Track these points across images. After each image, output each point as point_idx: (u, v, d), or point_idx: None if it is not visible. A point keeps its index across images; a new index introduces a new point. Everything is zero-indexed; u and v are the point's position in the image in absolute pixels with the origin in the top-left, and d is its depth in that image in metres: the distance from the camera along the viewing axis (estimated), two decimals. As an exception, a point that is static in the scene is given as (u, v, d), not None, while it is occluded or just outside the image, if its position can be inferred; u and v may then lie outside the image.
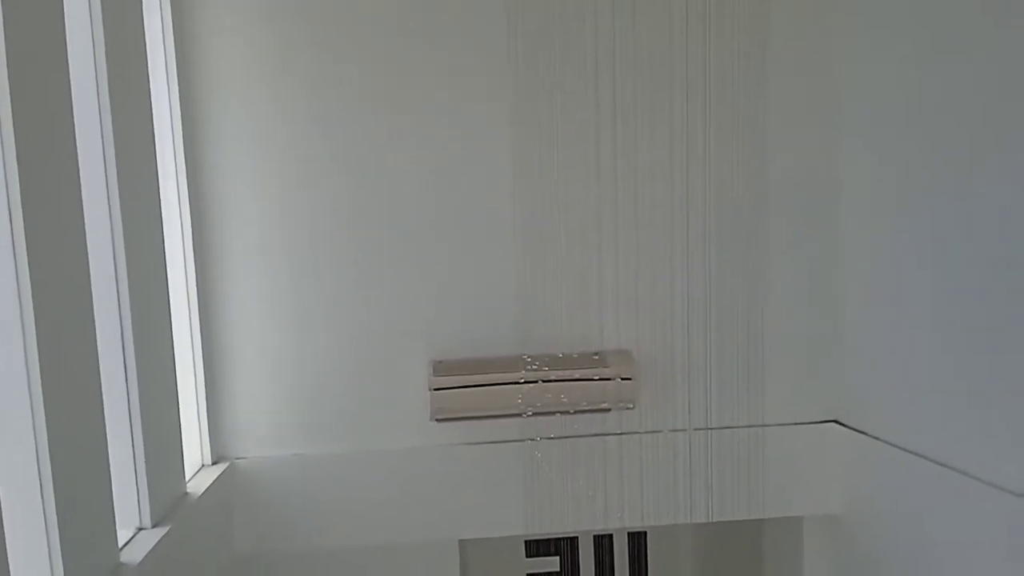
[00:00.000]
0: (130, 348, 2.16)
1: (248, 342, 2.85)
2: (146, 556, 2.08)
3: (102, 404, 1.97)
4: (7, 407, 1.66)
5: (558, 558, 3.85)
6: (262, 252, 2.84)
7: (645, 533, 3.83)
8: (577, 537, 3.84)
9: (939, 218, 2.50)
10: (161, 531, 2.20)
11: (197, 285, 2.74)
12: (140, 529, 2.20)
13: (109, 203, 2.09)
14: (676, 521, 2.96)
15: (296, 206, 2.84)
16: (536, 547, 3.84)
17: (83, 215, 1.90)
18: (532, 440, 2.90)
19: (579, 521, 2.96)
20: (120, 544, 2.07)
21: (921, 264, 2.60)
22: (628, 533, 3.82)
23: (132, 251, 2.15)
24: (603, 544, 3.86)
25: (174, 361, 2.48)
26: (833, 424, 3.06)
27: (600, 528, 3.26)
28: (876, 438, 2.86)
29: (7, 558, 1.50)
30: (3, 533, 1.48)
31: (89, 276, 1.93)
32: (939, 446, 2.54)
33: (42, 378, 1.68)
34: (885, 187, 2.78)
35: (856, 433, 2.97)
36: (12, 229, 1.63)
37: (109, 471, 1.97)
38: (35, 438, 1.70)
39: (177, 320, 2.59)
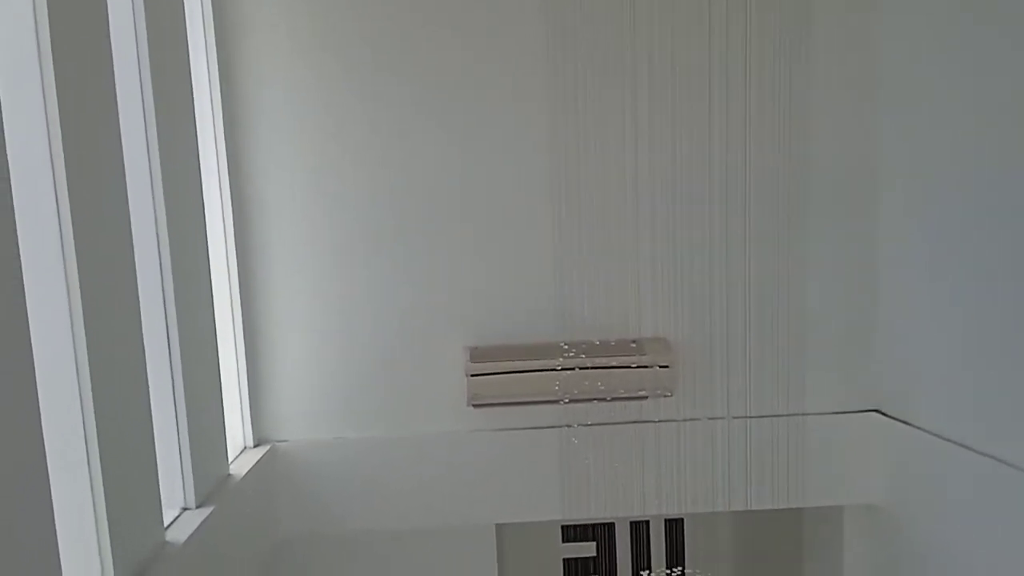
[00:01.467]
0: (174, 332, 2.20)
1: (289, 327, 2.89)
2: (191, 535, 2.13)
3: (147, 386, 2.02)
4: (56, 391, 1.71)
5: (595, 543, 3.86)
6: (303, 237, 2.87)
7: (682, 520, 3.82)
8: (614, 523, 3.84)
9: (981, 203, 2.45)
10: (205, 511, 2.25)
11: (239, 270, 2.79)
12: (185, 509, 2.25)
13: (152, 189, 2.13)
14: (714, 509, 2.95)
15: (337, 191, 2.87)
16: (573, 532, 3.85)
17: (127, 201, 1.94)
18: (569, 427, 2.91)
19: (615, 507, 2.97)
20: (166, 524, 2.13)
21: (963, 250, 2.55)
22: (665, 520, 3.81)
23: (175, 237, 2.19)
24: (640, 530, 3.86)
25: (216, 345, 2.53)
26: (874, 413, 3.02)
27: (637, 515, 3.27)
28: (917, 427, 2.82)
29: (56, 536, 1.55)
30: (52, 512, 1.53)
31: (134, 261, 1.97)
32: (982, 435, 2.50)
33: (89, 363, 1.72)
34: (925, 171, 2.73)
35: (897, 423, 2.93)
36: (60, 220, 1.67)
37: (155, 452, 2.02)
38: (83, 420, 1.75)
39: (220, 305, 2.64)
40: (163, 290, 2.18)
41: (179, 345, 2.21)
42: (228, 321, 2.75)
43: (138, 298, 1.98)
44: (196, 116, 2.43)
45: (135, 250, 1.98)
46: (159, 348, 2.17)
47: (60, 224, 1.67)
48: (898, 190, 2.89)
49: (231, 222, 2.76)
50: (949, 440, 2.65)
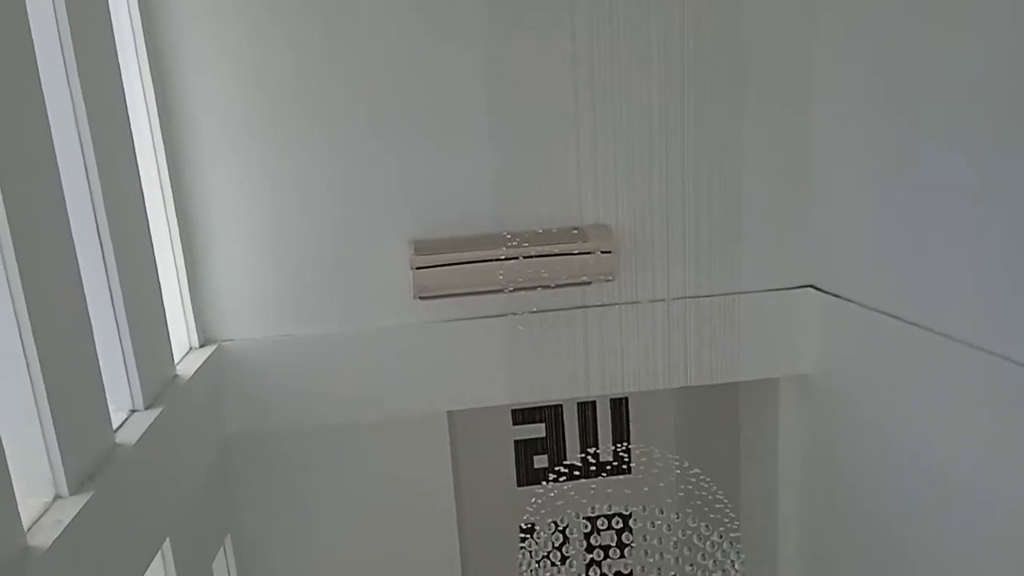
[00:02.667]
0: (106, 234, 2.14)
1: (227, 224, 2.83)
2: (141, 436, 2.14)
3: (82, 289, 1.98)
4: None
5: (544, 425, 3.99)
6: (238, 131, 2.78)
7: (627, 399, 3.96)
8: (562, 405, 3.97)
9: (915, 82, 2.48)
10: (154, 412, 2.26)
11: (170, 171, 2.70)
12: (133, 411, 2.25)
13: (71, 91, 2.03)
14: (655, 387, 3.05)
15: (274, 86, 2.76)
16: (522, 415, 3.97)
17: (46, 107, 1.85)
18: (515, 315, 2.95)
19: (562, 390, 3.05)
20: (115, 426, 2.13)
21: (895, 127, 2.60)
22: (610, 400, 3.94)
23: (100, 139, 2.10)
24: (586, 411, 3.99)
25: (152, 245, 2.47)
26: (808, 289, 3.12)
27: (583, 396, 3.37)
28: (850, 300, 2.93)
29: (1, 444, 1.55)
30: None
31: (57, 167, 1.89)
32: (911, 306, 2.61)
33: (19, 268, 1.67)
34: (860, 51, 2.74)
35: (831, 297, 3.03)
36: None
37: (96, 355, 2.00)
38: (18, 328, 1.72)
39: (153, 207, 2.58)
40: (91, 193, 2.10)
41: (112, 247, 2.16)
42: (163, 222, 2.69)
43: (65, 203, 1.92)
44: (112, 13, 2.30)
45: (58, 155, 1.90)
46: (92, 251, 2.12)
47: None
48: (831, 71, 2.90)
49: (158, 123, 2.65)
50: (880, 311, 2.76)
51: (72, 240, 1.94)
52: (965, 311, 2.38)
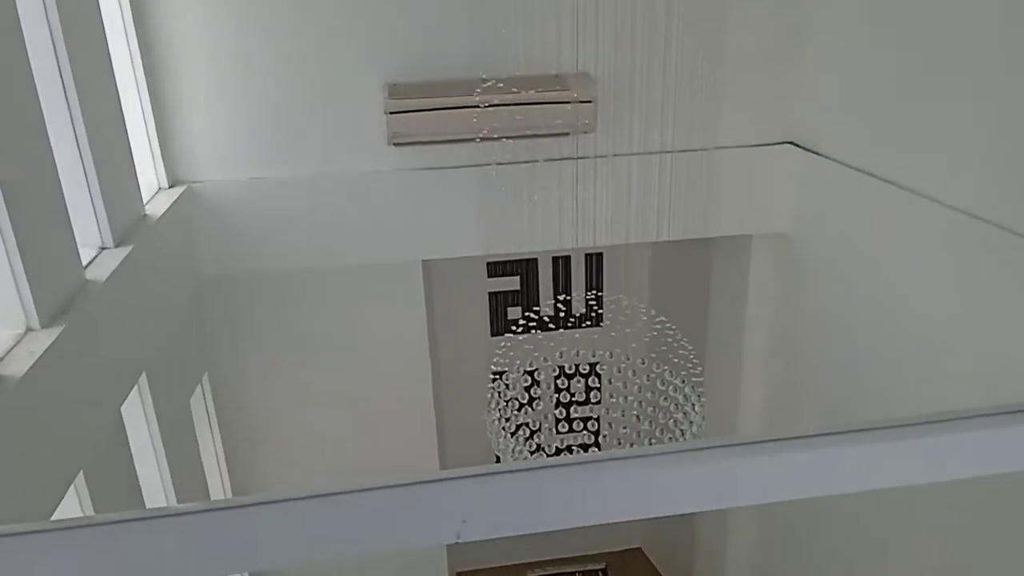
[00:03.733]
0: (67, 70, 2.07)
1: (194, 65, 2.73)
2: (112, 273, 2.14)
3: (45, 125, 1.93)
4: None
5: (518, 278, 4.03)
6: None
7: (601, 254, 3.99)
8: (536, 259, 3.99)
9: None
10: (124, 250, 2.25)
11: (133, 7, 2.57)
12: (103, 249, 2.24)
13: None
14: (629, 241, 3.06)
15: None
16: (497, 268, 3.99)
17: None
18: (491, 165, 2.91)
19: (535, 242, 3.06)
20: (84, 263, 2.12)
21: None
22: (585, 254, 3.97)
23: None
24: (560, 264, 4.02)
25: (115, 84, 2.39)
26: (788, 145, 3.10)
27: (556, 249, 3.38)
28: (828, 158, 2.92)
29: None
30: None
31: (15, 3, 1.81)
32: (886, 164, 2.61)
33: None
34: None
35: (810, 154, 3.02)
36: None
37: (61, 190, 1.97)
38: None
39: (116, 45, 2.47)
40: (51, 32, 2.02)
41: (75, 87, 2.09)
42: (128, 64, 2.58)
43: (25, 44, 1.85)
44: None
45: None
46: (54, 90, 2.04)
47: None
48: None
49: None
50: (857, 169, 2.76)
51: (33, 79, 1.88)
52: (936, 170, 2.40)
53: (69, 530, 0.62)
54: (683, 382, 2.24)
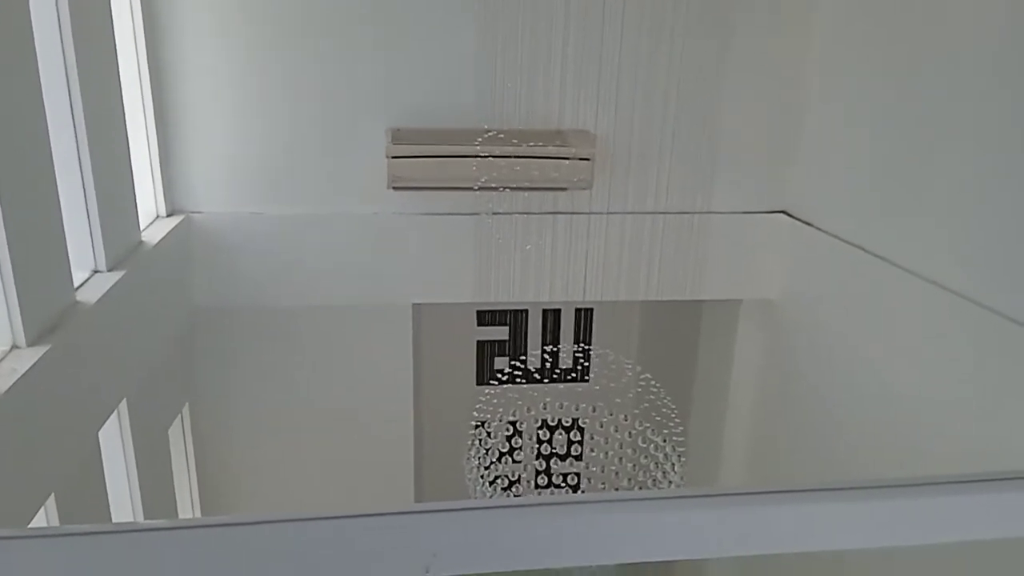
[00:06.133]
0: (76, 93, 2.10)
1: (202, 97, 2.77)
2: (102, 297, 2.14)
3: (49, 146, 1.95)
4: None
5: (507, 328, 4.03)
6: (220, 8, 2.69)
7: (592, 310, 4.00)
8: (527, 310, 4.01)
9: (914, 24, 2.46)
10: (117, 275, 2.25)
11: (147, 37, 2.62)
12: (96, 272, 2.25)
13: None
14: (619, 298, 3.09)
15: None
16: (487, 317, 4.00)
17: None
18: (487, 214, 2.95)
19: (527, 293, 3.08)
20: (76, 284, 2.13)
21: (890, 66, 2.58)
22: (576, 308, 3.98)
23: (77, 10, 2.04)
24: (550, 318, 4.04)
25: (123, 110, 2.43)
26: (781, 215, 3.15)
27: (547, 301, 3.40)
28: (821, 230, 2.96)
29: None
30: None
31: (31, 23, 1.84)
32: (879, 240, 2.65)
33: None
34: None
35: (802, 224, 3.06)
36: None
37: (60, 212, 1.98)
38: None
39: (128, 73, 2.52)
40: (64, 55, 2.05)
41: (83, 110, 2.12)
42: (137, 91, 2.62)
43: (37, 64, 1.88)
44: None
45: (33, 17, 1.85)
46: (62, 112, 2.07)
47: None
48: (832, 8, 2.86)
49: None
50: (849, 243, 2.80)
51: (42, 99, 1.91)
52: (929, 249, 2.43)
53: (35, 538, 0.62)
54: (664, 440, 2.24)
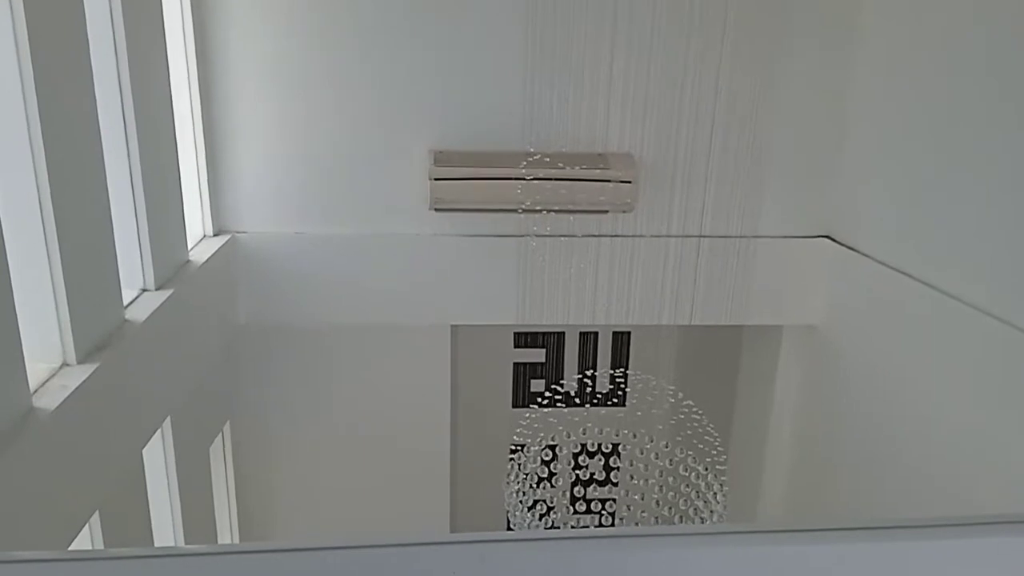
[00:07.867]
0: (131, 115, 2.14)
1: (249, 118, 2.82)
2: (151, 315, 2.18)
3: (104, 167, 1.99)
4: (12, 176, 1.69)
5: (544, 350, 4.02)
6: (265, 24, 2.75)
7: (629, 333, 3.98)
8: (564, 332, 3.99)
9: (963, 49, 2.42)
10: (165, 294, 2.29)
11: (197, 56, 2.68)
12: (144, 291, 2.28)
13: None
14: (659, 322, 3.07)
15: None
16: (525, 339, 3.99)
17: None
18: (529, 236, 2.95)
19: (567, 316, 3.07)
20: (125, 303, 2.17)
21: (939, 90, 2.54)
22: (613, 332, 3.96)
23: (131, 23, 2.08)
24: (588, 340, 4.02)
25: (175, 136, 2.48)
26: (825, 239, 3.11)
27: (586, 324, 3.39)
28: (865, 255, 2.92)
29: (15, 310, 1.58)
30: (11, 291, 1.55)
31: (89, 46, 1.89)
32: (923, 265, 2.60)
33: (46, 151, 1.68)
34: (914, 10, 2.67)
35: (846, 249, 3.02)
36: (12, 10, 1.58)
37: (112, 231, 2.02)
38: (39, 197, 1.74)
39: (179, 100, 2.57)
40: (119, 78, 2.10)
41: (136, 131, 2.16)
42: (188, 113, 2.68)
43: (94, 86, 1.92)
44: None
45: (90, 38, 1.89)
46: (116, 133, 2.12)
47: (13, 14, 1.58)
48: (883, 21, 2.83)
49: (190, 17, 2.62)
50: (894, 268, 2.75)
51: (98, 118, 1.95)
52: (977, 276, 2.38)
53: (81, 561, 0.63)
54: (706, 469, 2.21)
